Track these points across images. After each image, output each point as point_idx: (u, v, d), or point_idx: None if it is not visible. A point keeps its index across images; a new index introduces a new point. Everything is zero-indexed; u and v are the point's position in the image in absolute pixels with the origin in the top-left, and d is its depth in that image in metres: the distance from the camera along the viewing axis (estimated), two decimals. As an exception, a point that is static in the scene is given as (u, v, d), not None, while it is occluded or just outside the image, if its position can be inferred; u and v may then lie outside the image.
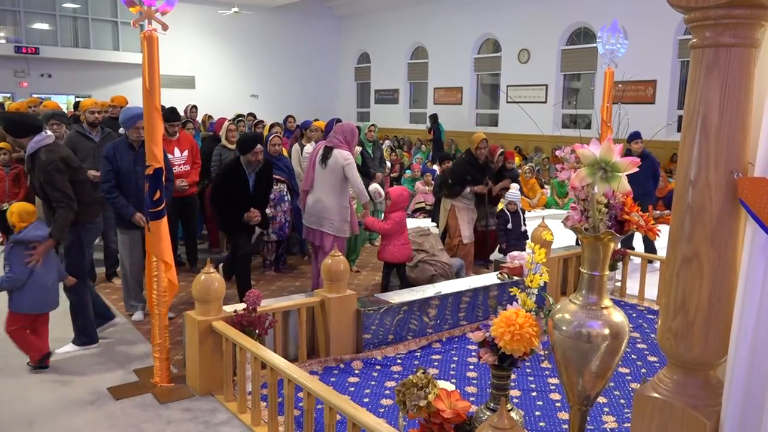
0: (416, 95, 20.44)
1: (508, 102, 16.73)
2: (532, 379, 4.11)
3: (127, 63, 18.10)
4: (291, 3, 20.21)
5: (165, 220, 3.88)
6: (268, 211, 5.82)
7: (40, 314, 4.18)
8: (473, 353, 4.49)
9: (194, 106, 10.85)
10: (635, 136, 6.97)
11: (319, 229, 5.28)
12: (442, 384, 2.76)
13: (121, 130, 5.30)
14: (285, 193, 6.41)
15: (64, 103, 15.70)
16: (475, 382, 4.10)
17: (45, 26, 17.59)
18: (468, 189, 6.43)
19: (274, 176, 5.85)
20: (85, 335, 4.46)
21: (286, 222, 6.42)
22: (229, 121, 7.52)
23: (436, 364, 4.40)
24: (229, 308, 3.94)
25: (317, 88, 22.13)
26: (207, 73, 20.01)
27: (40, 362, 4.14)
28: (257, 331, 3.76)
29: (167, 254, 3.86)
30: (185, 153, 6.28)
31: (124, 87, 17.39)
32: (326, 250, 5.08)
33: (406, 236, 5.73)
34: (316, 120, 8.43)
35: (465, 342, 4.75)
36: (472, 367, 4.33)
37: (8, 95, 17.08)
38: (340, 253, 4.41)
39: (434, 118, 16.00)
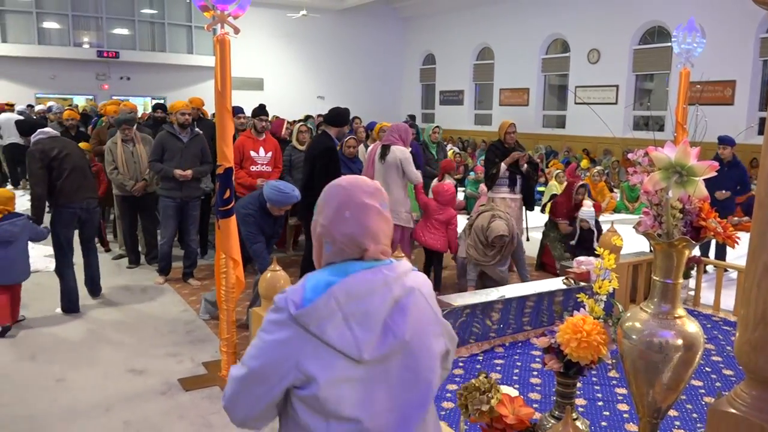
0: (481, 96, 20.25)
1: (576, 103, 16.35)
2: (598, 388, 4.00)
3: (200, 66, 18.73)
4: (357, 5, 20.42)
5: (234, 218, 3.98)
6: None
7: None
8: (537, 359, 4.40)
9: (262, 106, 11.11)
10: (725, 140, 6.53)
11: None
12: (505, 389, 2.72)
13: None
14: None
15: (141, 104, 16.43)
16: (539, 388, 4.03)
17: (125, 31, 18.43)
18: (501, 168, 6.31)
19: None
20: (65, 300, 5.21)
21: None
22: (300, 122, 7.61)
23: (498, 368, 4.34)
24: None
25: (382, 89, 22.26)
26: (275, 75, 20.47)
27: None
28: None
29: (235, 251, 3.96)
30: (269, 154, 6.33)
31: (197, 89, 18.02)
32: (396, 241, 5.14)
33: (450, 228, 5.77)
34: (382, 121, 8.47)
35: (529, 347, 4.66)
36: (535, 373, 4.26)
37: (91, 97, 18.02)
38: (404, 255, 4.42)
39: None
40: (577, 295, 3.09)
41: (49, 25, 17.50)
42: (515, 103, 18.24)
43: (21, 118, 11.44)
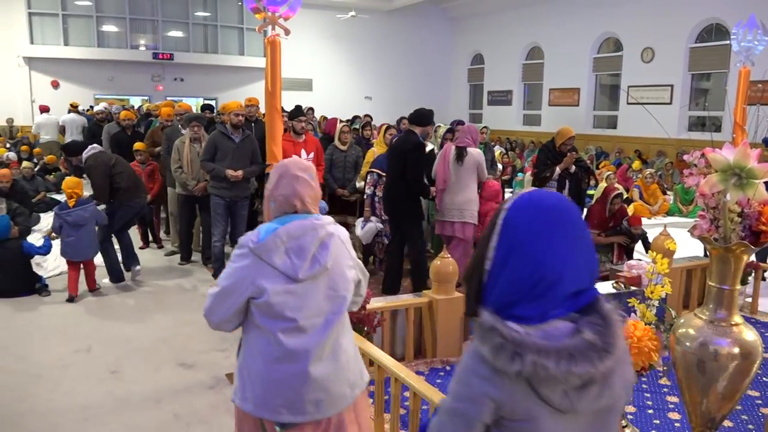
0: (530, 97, 19.98)
1: (628, 103, 15.94)
2: (648, 395, 3.89)
3: (251, 67, 19.06)
4: (406, 6, 20.44)
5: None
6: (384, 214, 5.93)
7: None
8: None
9: (311, 108, 11.24)
10: None
11: (460, 220, 5.75)
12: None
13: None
14: None
15: (194, 104, 16.83)
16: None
17: (179, 34, 18.92)
18: (555, 172, 6.16)
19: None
20: (113, 273, 6.08)
21: None
22: (343, 122, 7.66)
23: (545, 372, 4.28)
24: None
25: (430, 89, 22.21)
26: (324, 76, 20.66)
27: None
28: (366, 329, 3.83)
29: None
30: (311, 155, 6.19)
31: (248, 90, 18.35)
32: (468, 238, 5.72)
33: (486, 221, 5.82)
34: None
35: (576, 352, 4.57)
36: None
37: (146, 98, 18.56)
38: (449, 255, 4.40)
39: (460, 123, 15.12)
40: (628, 300, 3.02)
41: (108, 28, 18.11)
42: (565, 104, 17.93)
43: (83, 119, 11.98)
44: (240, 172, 5.89)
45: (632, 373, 1.29)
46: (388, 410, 3.34)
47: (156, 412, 3.61)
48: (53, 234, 6.08)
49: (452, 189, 5.72)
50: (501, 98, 20.55)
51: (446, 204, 5.76)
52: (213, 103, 17.73)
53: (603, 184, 9.56)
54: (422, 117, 5.61)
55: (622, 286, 5.09)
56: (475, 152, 5.83)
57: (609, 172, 10.37)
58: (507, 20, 19.78)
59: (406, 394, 3.13)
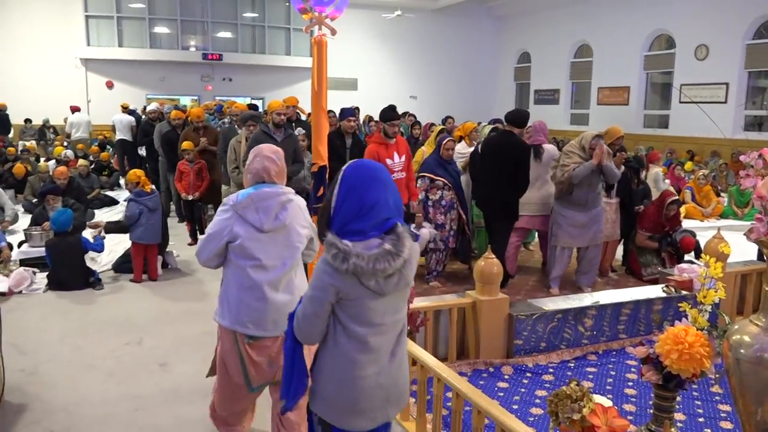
0: (578, 95, 19.62)
1: (681, 102, 15.49)
2: (699, 403, 3.78)
3: (297, 67, 19.29)
4: (452, 4, 20.33)
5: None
6: (440, 218, 5.81)
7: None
8: (633, 369, 4.22)
9: (357, 108, 11.28)
10: None
11: (542, 214, 6.00)
12: (598, 398, 2.62)
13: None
14: (455, 200, 5.95)
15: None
16: (634, 400, 3.86)
17: (228, 34, 19.28)
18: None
19: (443, 181, 5.82)
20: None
21: (451, 230, 5.91)
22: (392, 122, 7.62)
23: (590, 377, 4.20)
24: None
25: (475, 88, 22.05)
26: (369, 75, 20.74)
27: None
28: (409, 328, 3.83)
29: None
30: (402, 158, 5.76)
31: (294, 89, 18.56)
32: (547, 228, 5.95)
33: None
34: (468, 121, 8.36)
35: (624, 356, 4.48)
36: (631, 383, 4.08)
37: (195, 98, 18.99)
38: (493, 256, 4.36)
39: (498, 122, 14.66)
40: (679, 305, 2.94)
41: (160, 29, 18.60)
42: (614, 102, 17.53)
43: (132, 119, 12.38)
44: None
45: (416, 262, 2.08)
46: (430, 410, 3.34)
47: (202, 405, 3.68)
48: (103, 233, 6.36)
49: (532, 185, 5.83)
50: (548, 97, 20.24)
51: (527, 199, 5.89)
52: (260, 102, 18.00)
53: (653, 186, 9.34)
54: (522, 119, 5.76)
55: (673, 290, 4.96)
56: (550, 148, 6.10)
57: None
58: (555, 18, 19.47)
59: (449, 394, 3.12)
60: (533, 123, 6.26)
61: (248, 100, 14.60)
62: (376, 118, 10.68)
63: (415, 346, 3.44)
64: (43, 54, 17.59)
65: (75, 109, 15.12)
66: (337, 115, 7.65)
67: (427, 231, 5.71)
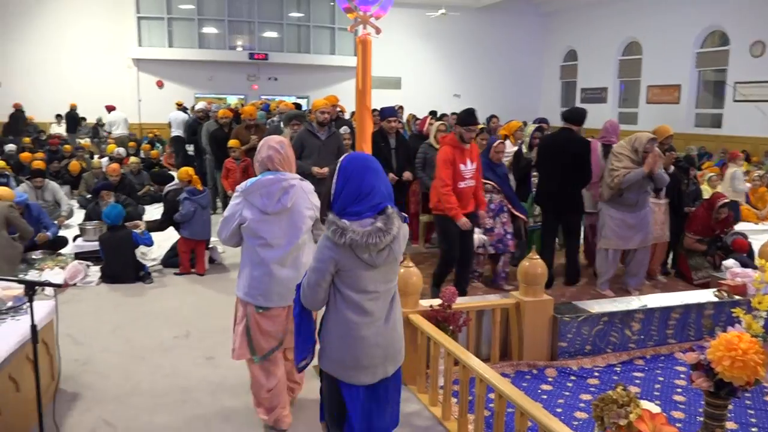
0: (626, 94, 19.17)
1: (735, 101, 14.97)
2: (752, 412, 3.66)
3: (341, 66, 19.41)
4: (497, 2, 20.12)
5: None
6: (488, 221, 5.71)
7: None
8: (682, 375, 4.12)
9: (401, 107, 11.30)
10: None
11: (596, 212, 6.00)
12: (646, 404, 2.57)
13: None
14: (504, 203, 5.81)
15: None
16: (683, 407, 3.76)
17: (274, 34, 19.54)
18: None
19: (491, 184, 5.75)
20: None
21: (506, 234, 5.77)
22: (440, 122, 7.54)
23: (637, 382, 4.11)
24: (425, 302, 4.05)
25: (520, 87, 21.79)
26: (412, 74, 20.72)
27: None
28: (451, 328, 3.83)
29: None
30: (474, 164, 5.37)
31: (338, 88, 18.67)
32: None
33: None
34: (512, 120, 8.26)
35: (672, 362, 4.37)
36: (680, 390, 3.98)
37: (242, 97, 19.30)
38: (538, 257, 4.32)
39: (544, 121, 14.24)
40: (732, 310, 2.85)
41: (208, 30, 18.97)
42: (665, 101, 17.07)
43: (187, 116, 12.73)
44: (326, 169, 5.97)
45: (405, 239, 2.44)
46: (472, 411, 3.32)
47: (247, 398, 3.75)
48: (141, 228, 6.62)
49: (594, 184, 5.91)
50: (595, 96, 19.84)
51: (588, 195, 6.03)
52: (305, 101, 18.18)
53: (705, 187, 9.08)
54: (580, 116, 5.94)
55: (725, 294, 4.82)
56: None
57: (711, 174, 9.81)
58: (603, 14, 19.07)
59: (491, 395, 3.10)
60: (605, 122, 6.33)
61: (293, 99, 14.81)
62: (420, 116, 10.68)
63: (456, 346, 3.43)
64: (96, 55, 18.18)
65: (111, 108, 15.62)
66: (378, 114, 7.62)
67: (476, 236, 5.51)
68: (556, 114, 21.10)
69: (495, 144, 5.89)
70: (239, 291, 3.28)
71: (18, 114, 16.17)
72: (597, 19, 19.38)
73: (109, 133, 15.20)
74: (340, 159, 2.47)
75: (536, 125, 6.87)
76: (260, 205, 3.13)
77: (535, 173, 6.43)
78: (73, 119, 16.32)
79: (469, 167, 5.23)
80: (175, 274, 6.37)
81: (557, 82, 21.93)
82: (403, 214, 2.44)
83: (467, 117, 5.20)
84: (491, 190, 5.75)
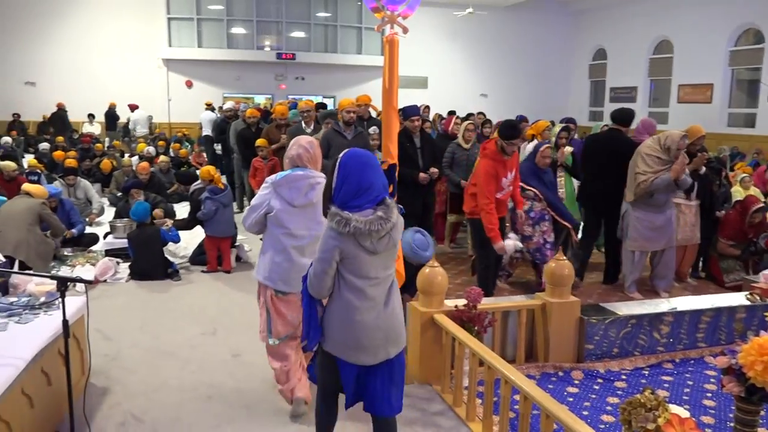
0: (657, 93, 18.87)
1: (770, 100, 14.65)
2: (785, 419, 3.57)
3: (368, 65, 19.45)
4: (524, 1, 19.98)
5: (396, 213, 4.09)
6: (527, 229, 5.48)
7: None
8: (712, 380, 4.04)
9: (427, 106, 11.27)
10: None
11: None
12: (675, 408, 2.52)
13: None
14: (546, 212, 5.54)
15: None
16: (713, 412, 3.69)
17: (301, 34, 19.66)
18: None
19: (534, 191, 5.49)
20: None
21: (545, 243, 5.47)
22: (468, 121, 7.47)
23: (666, 386, 4.05)
24: (450, 302, 4.04)
25: (547, 86, 21.60)
26: (439, 74, 20.68)
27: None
28: (476, 328, 3.81)
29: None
30: (513, 173, 5.25)
31: (365, 88, 18.71)
32: None
33: None
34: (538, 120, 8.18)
35: (702, 366, 4.29)
36: (709, 395, 3.90)
37: (269, 96, 19.47)
38: (564, 258, 4.27)
39: (571, 121, 13.93)
40: (765, 314, 2.79)
41: (237, 30, 19.17)
42: (696, 100, 16.75)
43: (217, 116, 12.93)
44: None
45: (401, 229, 2.66)
46: (497, 412, 3.30)
47: (273, 396, 3.79)
48: (168, 224, 6.73)
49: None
50: (624, 95, 19.57)
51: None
52: (331, 101, 18.27)
53: (738, 188, 8.89)
54: (628, 117, 5.96)
55: (758, 298, 4.71)
56: None
57: (744, 175, 9.60)
58: (633, 12, 18.81)
59: (516, 397, 3.08)
60: (640, 120, 6.26)
61: (319, 99, 14.89)
62: (446, 116, 10.63)
63: (481, 347, 3.41)
64: (128, 55, 18.50)
65: (134, 107, 16.02)
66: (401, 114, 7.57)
67: (512, 242, 5.21)
68: (584, 114, 20.92)
69: (542, 149, 5.57)
70: (259, 275, 3.50)
71: (61, 113, 16.67)
72: (627, 18, 19.11)
73: (133, 130, 15.54)
74: (340, 155, 2.62)
75: (563, 125, 6.80)
76: (288, 197, 3.38)
77: (561, 174, 6.35)
78: (111, 118, 16.75)
79: (509, 178, 5.18)
80: (203, 271, 6.45)
81: (586, 81, 21.69)
82: (399, 206, 2.68)
83: (510, 130, 5.04)
84: (533, 197, 5.48)
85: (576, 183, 6.53)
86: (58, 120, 16.56)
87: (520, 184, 5.44)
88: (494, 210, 5.03)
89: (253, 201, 3.49)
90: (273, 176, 3.47)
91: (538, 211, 5.50)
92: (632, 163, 5.46)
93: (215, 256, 6.49)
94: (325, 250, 2.52)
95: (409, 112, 6.03)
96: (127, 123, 16.91)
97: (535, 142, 6.99)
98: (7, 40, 17.69)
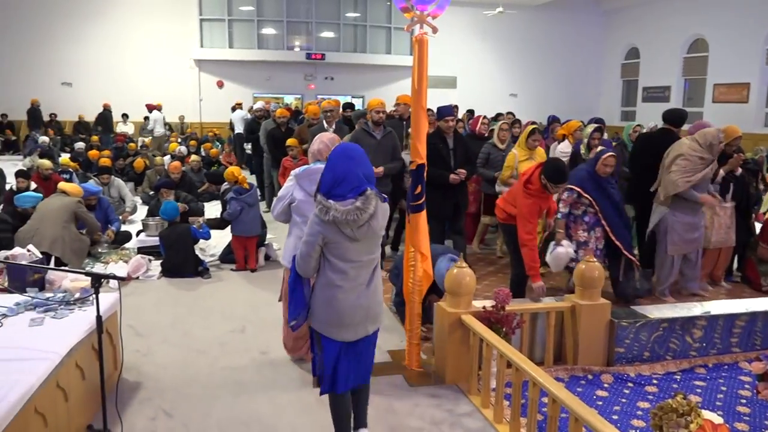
0: (691, 93, 18.50)
1: (810, 99, 14.24)
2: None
3: (397, 65, 19.44)
4: (555, 0, 19.77)
5: (424, 213, 4.09)
6: (582, 234, 5.30)
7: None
8: (747, 386, 3.95)
9: (456, 106, 11.20)
10: None
11: None
12: (708, 414, 2.48)
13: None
14: (600, 217, 5.28)
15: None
16: (748, 419, 3.60)
17: (330, 34, 19.76)
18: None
19: (589, 199, 5.24)
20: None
21: (596, 250, 5.26)
22: (503, 121, 7.40)
23: (698, 391, 3.97)
24: (478, 303, 4.02)
25: (578, 86, 21.35)
26: (468, 73, 20.58)
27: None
28: (504, 330, 3.78)
29: (424, 246, 4.07)
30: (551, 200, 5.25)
31: (393, 88, 18.72)
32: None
33: None
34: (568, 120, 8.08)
35: (736, 371, 4.20)
36: (744, 401, 3.81)
37: (299, 96, 19.60)
38: (595, 259, 4.22)
39: (600, 122, 13.74)
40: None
41: (267, 31, 19.35)
42: (732, 100, 16.38)
43: (246, 114, 13.12)
44: (381, 169, 5.97)
45: (384, 218, 2.88)
46: (524, 414, 3.28)
47: (301, 394, 3.82)
48: (199, 222, 6.75)
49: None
50: (657, 95, 19.24)
51: None
52: (360, 101, 18.31)
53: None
54: (681, 118, 6.04)
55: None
56: None
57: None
58: (667, 11, 18.47)
59: (544, 399, 3.05)
60: (694, 123, 6.18)
61: (348, 99, 14.93)
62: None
63: (510, 348, 3.39)
64: (161, 56, 18.82)
65: (151, 108, 16.37)
66: (435, 114, 7.55)
67: (564, 250, 5.07)
68: (616, 114, 20.63)
69: (604, 156, 5.20)
70: (284, 259, 3.86)
71: (106, 113, 17.11)
72: (661, 16, 18.79)
73: (152, 130, 15.88)
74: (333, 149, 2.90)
75: (596, 126, 6.69)
76: (308, 189, 3.65)
77: None
78: (105, 119, 17.26)
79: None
80: (232, 270, 6.52)
81: (618, 80, 21.38)
82: (383, 194, 2.87)
83: (557, 175, 4.87)
84: (588, 204, 5.25)
85: None
86: (104, 120, 17.05)
87: (576, 189, 5.20)
88: (536, 247, 4.99)
89: (279, 192, 3.88)
90: (297, 169, 3.81)
91: (592, 215, 5.29)
92: (668, 164, 5.38)
93: (242, 255, 6.55)
94: (311, 233, 2.79)
95: (443, 112, 5.92)
96: (146, 123, 17.21)
97: (566, 142, 6.92)
98: (46, 42, 18.13)
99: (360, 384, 3.05)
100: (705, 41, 17.51)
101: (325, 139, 3.80)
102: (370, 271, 2.91)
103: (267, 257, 6.88)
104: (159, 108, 16.34)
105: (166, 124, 16.66)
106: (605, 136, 7.55)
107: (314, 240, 2.78)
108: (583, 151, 6.33)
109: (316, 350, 2.99)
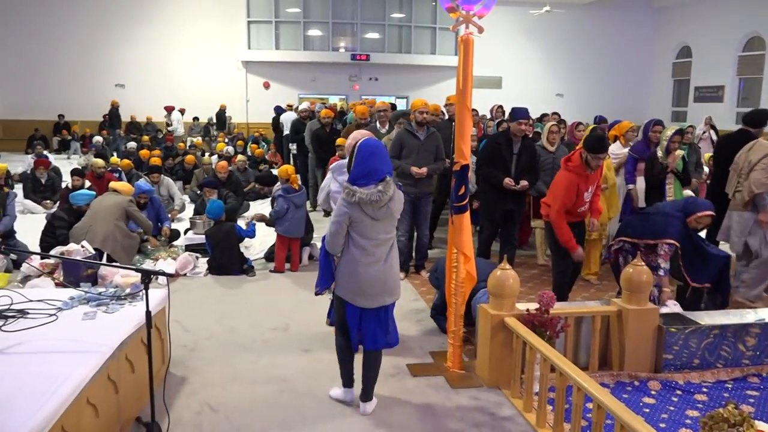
0: (746, 92, 17.89)
1: None
2: None
3: (441, 66, 19.40)
4: (605, -2, 19.42)
5: (468, 214, 4.07)
6: (663, 262, 4.86)
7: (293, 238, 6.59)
8: (803, 397, 3.79)
9: (500, 107, 11.11)
10: None
11: None
12: (761, 425, 2.39)
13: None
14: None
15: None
16: (804, 431, 3.46)
17: (375, 35, 19.84)
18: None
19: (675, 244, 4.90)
20: None
21: (658, 267, 4.82)
22: (552, 123, 7.22)
23: (751, 401, 3.83)
24: (522, 306, 3.97)
25: (627, 86, 20.89)
26: (513, 73, 20.38)
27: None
28: (548, 333, 3.73)
29: (467, 247, 4.04)
30: (593, 187, 5.11)
31: (437, 88, 18.69)
32: None
33: None
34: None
35: (793, 382, 4.03)
36: (800, 413, 3.67)
37: (344, 97, 19.75)
38: (643, 263, 4.12)
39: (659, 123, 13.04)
40: None
41: (313, 32, 19.56)
42: (791, 100, 15.78)
43: (295, 115, 13.28)
44: (424, 169, 5.95)
45: (400, 202, 3.39)
46: (568, 420, 3.23)
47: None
48: (254, 221, 6.77)
49: None
50: (710, 94, 18.67)
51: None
52: (404, 101, 18.33)
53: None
54: (758, 119, 6.00)
55: None
56: None
57: None
58: (721, 8, 17.91)
59: (589, 405, 3.00)
60: None
61: (392, 99, 14.96)
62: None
63: (553, 352, 3.34)
64: (209, 57, 19.23)
65: (170, 109, 16.94)
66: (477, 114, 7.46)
67: (668, 311, 4.60)
68: (666, 114, 20.09)
69: (699, 215, 4.78)
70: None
71: (113, 110, 17.74)
72: (715, 13, 18.23)
73: (175, 130, 16.55)
74: (358, 141, 3.37)
75: (675, 129, 6.24)
76: (341, 180, 4.07)
77: (670, 180, 6.02)
78: (221, 120, 17.96)
79: (590, 192, 5.04)
80: (270, 271, 6.57)
81: (668, 80, 20.84)
82: (398, 183, 3.43)
83: (596, 143, 4.78)
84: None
85: (686, 192, 6.35)
86: (112, 117, 17.80)
87: (675, 242, 4.71)
88: (565, 223, 4.90)
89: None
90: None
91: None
92: (754, 163, 5.40)
93: (284, 256, 6.58)
94: (339, 214, 3.31)
95: (517, 114, 5.69)
96: (208, 123, 17.63)
97: (618, 143, 6.73)
98: (101, 45, 18.75)
99: (372, 348, 3.52)
100: (762, 39, 16.90)
101: (359, 136, 3.88)
102: (387, 248, 3.40)
103: (311, 257, 6.94)
104: (182, 111, 17.14)
105: (212, 124, 17.12)
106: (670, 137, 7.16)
107: (341, 220, 3.29)
108: (660, 154, 6.01)
109: (336, 308, 3.61)
